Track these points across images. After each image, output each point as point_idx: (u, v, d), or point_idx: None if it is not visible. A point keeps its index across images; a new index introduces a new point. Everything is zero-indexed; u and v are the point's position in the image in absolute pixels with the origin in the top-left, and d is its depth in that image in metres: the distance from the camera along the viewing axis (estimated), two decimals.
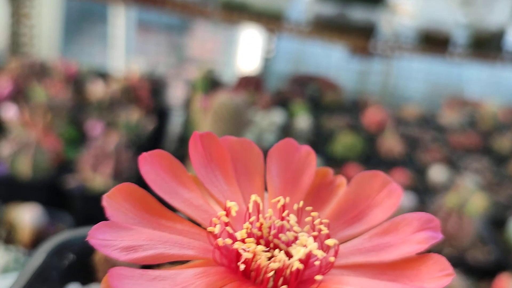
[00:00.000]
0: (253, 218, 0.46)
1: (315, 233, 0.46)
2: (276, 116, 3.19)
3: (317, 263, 0.42)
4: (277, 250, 0.44)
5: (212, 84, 3.28)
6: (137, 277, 0.38)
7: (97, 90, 2.72)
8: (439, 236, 0.44)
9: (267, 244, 0.45)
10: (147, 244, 0.40)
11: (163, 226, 0.44)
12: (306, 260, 0.42)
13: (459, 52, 3.99)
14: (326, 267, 0.42)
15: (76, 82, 3.07)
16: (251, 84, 3.45)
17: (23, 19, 3.67)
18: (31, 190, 2.29)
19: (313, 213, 0.48)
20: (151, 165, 0.45)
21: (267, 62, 4.35)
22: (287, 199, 0.48)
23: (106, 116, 2.51)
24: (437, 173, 3.05)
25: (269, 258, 0.42)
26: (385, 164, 3.17)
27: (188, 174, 0.48)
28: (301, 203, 0.49)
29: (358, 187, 0.51)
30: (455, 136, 3.69)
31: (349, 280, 0.42)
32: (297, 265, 0.41)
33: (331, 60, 4.93)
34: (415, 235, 0.45)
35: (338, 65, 4.84)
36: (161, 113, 3.11)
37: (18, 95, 2.70)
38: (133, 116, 2.47)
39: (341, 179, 0.54)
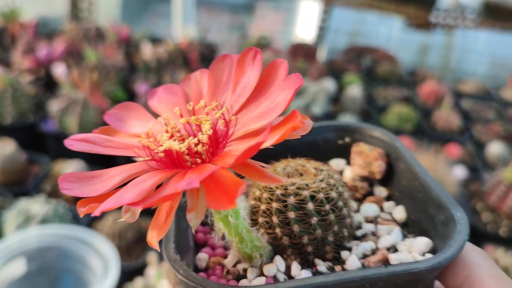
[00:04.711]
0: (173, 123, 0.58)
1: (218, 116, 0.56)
2: (327, 83, 3.10)
3: (222, 129, 0.54)
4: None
5: (262, 49, 3.22)
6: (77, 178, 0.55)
7: (145, 53, 2.73)
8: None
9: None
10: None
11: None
12: (214, 133, 0.54)
13: None
14: (228, 135, 0.54)
15: (128, 46, 3.11)
16: (303, 51, 3.37)
17: None
18: None
19: (214, 103, 0.57)
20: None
21: (322, 32, 4.25)
22: (201, 103, 0.59)
23: (153, 78, 2.51)
24: (496, 149, 2.87)
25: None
26: (441, 138, 3.03)
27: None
28: (210, 102, 0.59)
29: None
30: None
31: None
32: (205, 136, 0.53)
33: (392, 32, 4.75)
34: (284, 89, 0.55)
35: (399, 37, 4.66)
36: None
37: (71, 56, 2.76)
38: (178, 77, 2.46)
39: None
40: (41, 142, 2.44)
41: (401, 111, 3.12)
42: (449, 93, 3.53)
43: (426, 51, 4.53)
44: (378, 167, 0.73)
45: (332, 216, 0.62)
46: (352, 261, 0.60)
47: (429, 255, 0.61)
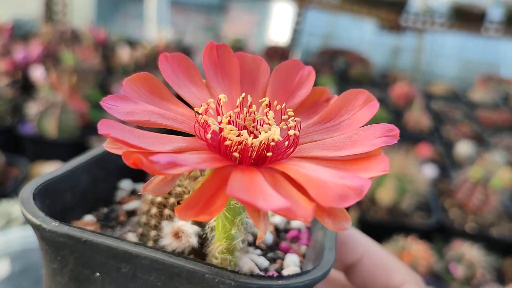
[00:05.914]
0: (237, 109, 0.51)
1: (284, 126, 0.50)
2: None
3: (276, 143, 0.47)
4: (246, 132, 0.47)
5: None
6: (126, 130, 0.43)
7: (123, 55, 2.76)
8: (394, 141, 0.46)
9: (245, 129, 0.51)
10: (144, 113, 0.47)
11: (165, 106, 0.51)
12: (268, 141, 0.46)
13: (495, 29, 3.88)
14: (286, 151, 0.48)
15: (105, 49, 3.13)
16: (277, 54, 3.44)
17: None
18: (57, 148, 2.35)
19: (289, 112, 0.51)
20: (170, 64, 0.53)
21: (296, 34, 4.32)
22: (268, 100, 0.53)
23: None
24: (464, 149, 2.99)
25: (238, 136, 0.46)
26: (411, 138, 3.13)
27: (199, 77, 0.56)
28: (284, 104, 0.53)
29: (342, 101, 0.54)
30: (486, 113, 3.60)
31: (304, 164, 0.45)
32: (258, 141, 0.46)
33: (364, 35, 4.86)
34: (374, 140, 0.47)
35: (371, 39, 4.77)
36: None
37: (48, 59, 2.76)
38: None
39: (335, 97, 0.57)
40: (19, 144, 2.44)
41: None
42: (420, 94, 3.64)
43: (397, 54, 4.65)
44: None
45: None
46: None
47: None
